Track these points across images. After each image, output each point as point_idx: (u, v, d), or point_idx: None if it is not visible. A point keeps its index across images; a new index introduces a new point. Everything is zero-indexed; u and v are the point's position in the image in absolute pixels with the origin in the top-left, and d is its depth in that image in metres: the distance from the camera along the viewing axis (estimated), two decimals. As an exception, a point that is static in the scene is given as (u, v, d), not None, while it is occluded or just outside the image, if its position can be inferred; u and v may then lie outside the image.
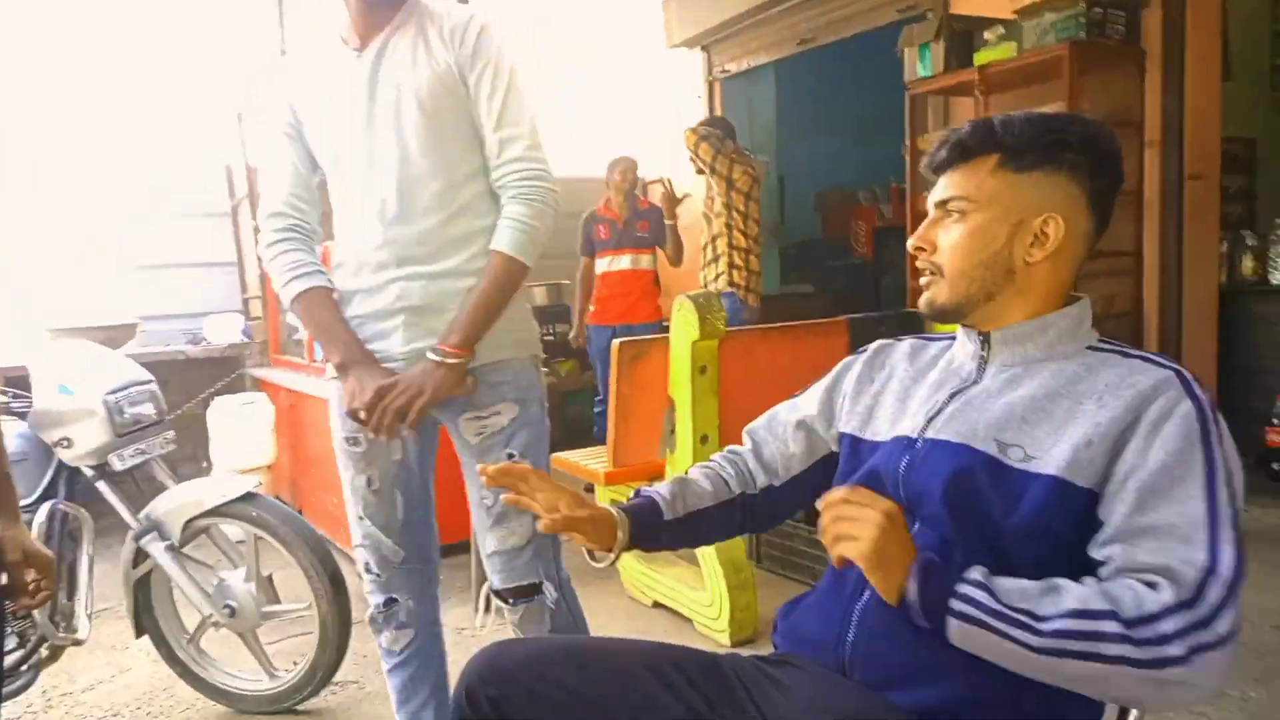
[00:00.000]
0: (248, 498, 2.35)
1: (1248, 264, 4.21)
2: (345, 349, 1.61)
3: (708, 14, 5.47)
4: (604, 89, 6.64)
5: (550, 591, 1.66)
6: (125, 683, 2.68)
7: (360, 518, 1.72)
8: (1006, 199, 1.05)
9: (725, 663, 1.16)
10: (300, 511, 3.93)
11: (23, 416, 2.34)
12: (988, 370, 1.10)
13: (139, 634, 2.46)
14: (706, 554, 2.73)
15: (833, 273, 6.39)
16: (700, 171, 4.33)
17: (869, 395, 1.22)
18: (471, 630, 2.83)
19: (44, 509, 2.22)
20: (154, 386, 2.56)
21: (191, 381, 4.71)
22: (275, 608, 2.41)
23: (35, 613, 2.14)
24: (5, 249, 4.92)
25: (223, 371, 4.97)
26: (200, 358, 5.00)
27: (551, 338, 5.45)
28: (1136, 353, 1.05)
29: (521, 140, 1.58)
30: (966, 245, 1.07)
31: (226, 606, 2.35)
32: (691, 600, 2.85)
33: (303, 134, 1.66)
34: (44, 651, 2.26)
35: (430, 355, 1.55)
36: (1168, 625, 0.85)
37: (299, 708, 2.44)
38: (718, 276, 4.10)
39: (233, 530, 2.46)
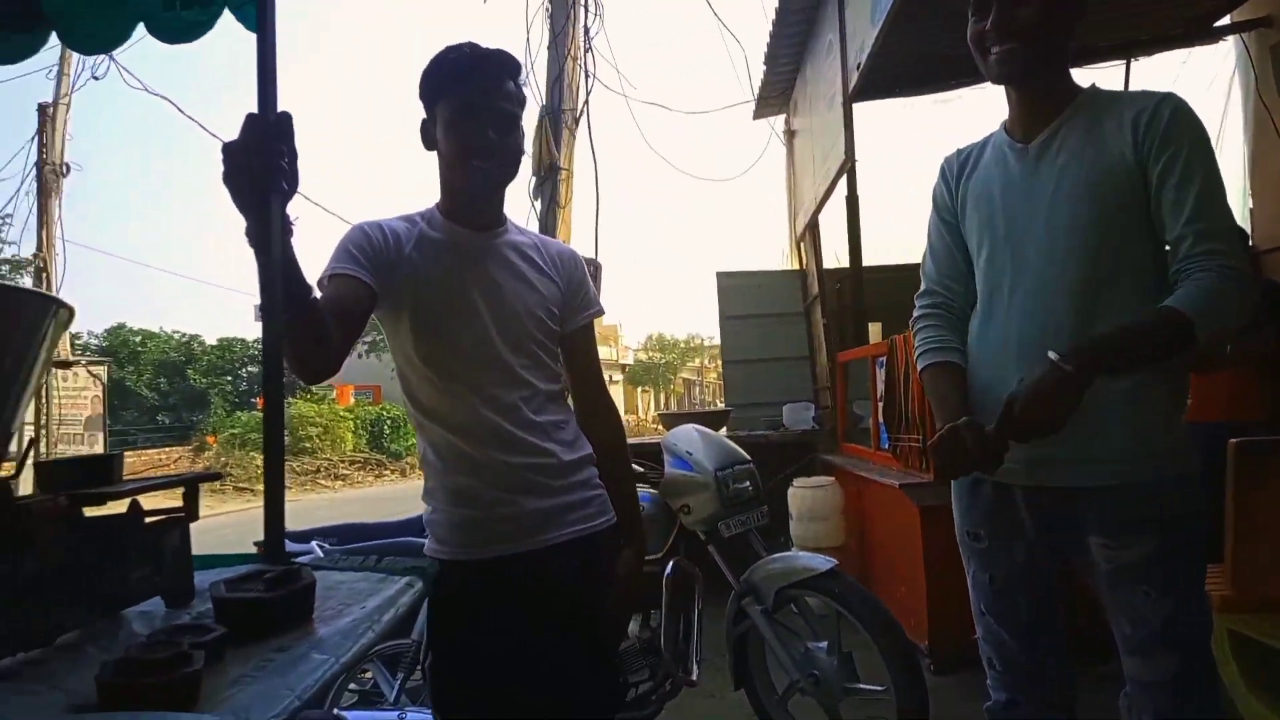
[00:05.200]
0: (832, 574, 2.54)
1: None
2: (951, 416, 1.52)
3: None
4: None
5: None
6: (723, 728, 3.04)
7: (982, 613, 1.67)
8: None
9: None
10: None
11: (654, 485, 2.88)
12: None
13: (737, 686, 2.78)
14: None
15: None
16: None
17: None
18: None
19: (670, 564, 2.68)
20: (753, 467, 2.93)
21: (771, 462, 5.21)
22: (855, 685, 2.52)
23: (665, 652, 2.58)
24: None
25: (797, 455, 5.43)
26: (778, 442, 5.54)
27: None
28: None
29: (1218, 239, 1.38)
30: None
31: (811, 675, 2.54)
32: (1359, 776, 2.23)
33: (962, 222, 1.69)
34: (668, 686, 2.69)
35: (1050, 354, 1.38)
36: None
37: (874, 794, 2.50)
38: None
39: (816, 604, 2.66)
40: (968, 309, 1.69)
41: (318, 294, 1.35)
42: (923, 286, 1.74)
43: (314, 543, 3.02)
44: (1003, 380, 1.53)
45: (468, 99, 1.51)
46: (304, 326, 1.31)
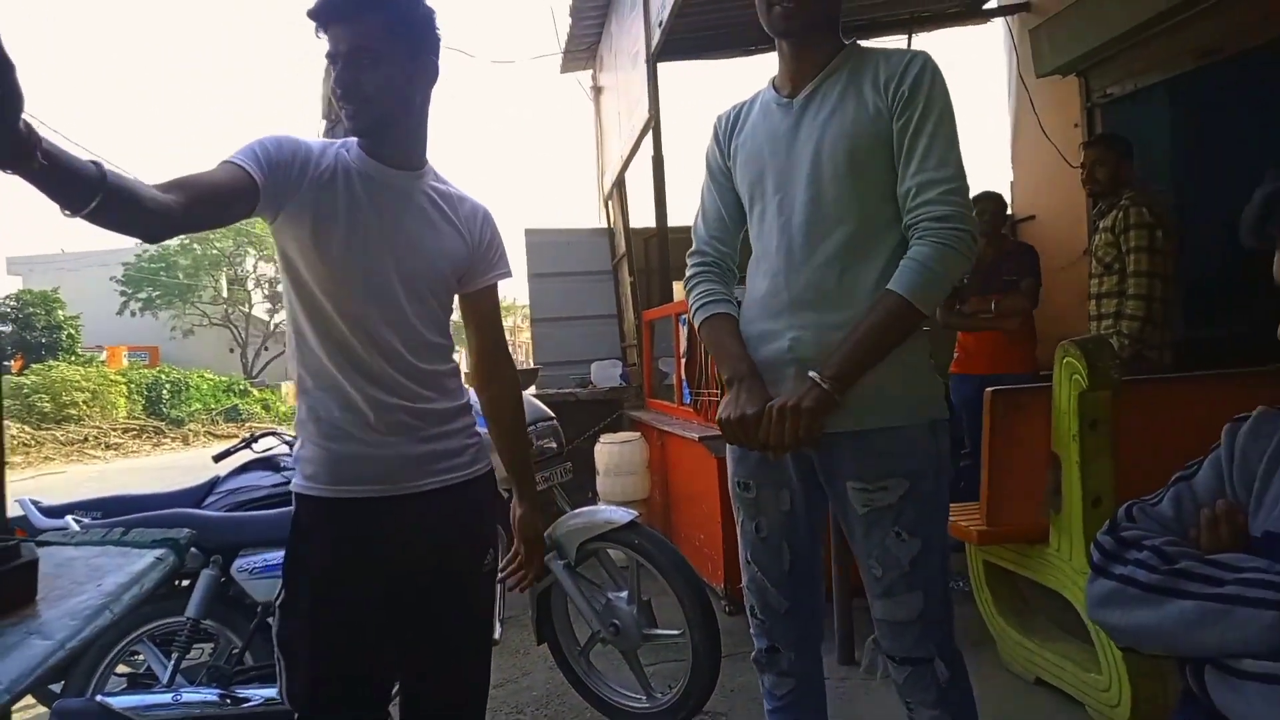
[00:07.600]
0: (632, 526, 2.57)
1: None
2: (734, 364, 1.58)
3: (1086, 36, 5.01)
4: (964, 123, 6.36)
5: (941, 670, 1.54)
6: (527, 684, 3.05)
7: (748, 561, 1.72)
8: None
9: None
10: (670, 545, 4.20)
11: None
12: None
13: (540, 641, 2.78)
14: (1103, 633, 2.43)
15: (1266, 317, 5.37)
16: (1092, 194, 3.85)
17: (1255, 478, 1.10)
18: (853, 678, 2.78)
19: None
20: (556, 423, 2.92)
21: (580, 420, 5.24)
22: (653, 631, 2.59)
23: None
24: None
25: (605, 412, 5.49)
26: (587, 399, 5.58)
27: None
28: None
29: (941, 185, 1.46)
30: None
31: (612, 624, 2.58)
32: (1083, 682, 2.54)
33: (733, 179, 1.71)
34: (468, 647, 2.64)
35: (810, 373, 1.48)
36: None
37: (672, 730, 2.59)
38: (1115, 335, 3.49)
39: (617, 555, 2.70)
40: (735, 268, 1.75)
41: (115, 170, 1.16)
42: (694, 246, 1.77)
43: (69, 518, 2.70)
44: (775, 334, 1.57)
45: (330, 44, 1.45)
46: (109, 208, 1.12)
